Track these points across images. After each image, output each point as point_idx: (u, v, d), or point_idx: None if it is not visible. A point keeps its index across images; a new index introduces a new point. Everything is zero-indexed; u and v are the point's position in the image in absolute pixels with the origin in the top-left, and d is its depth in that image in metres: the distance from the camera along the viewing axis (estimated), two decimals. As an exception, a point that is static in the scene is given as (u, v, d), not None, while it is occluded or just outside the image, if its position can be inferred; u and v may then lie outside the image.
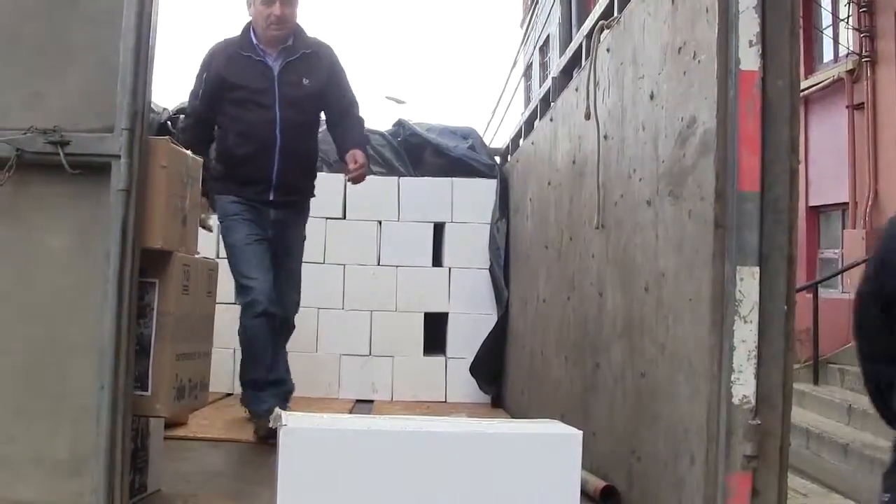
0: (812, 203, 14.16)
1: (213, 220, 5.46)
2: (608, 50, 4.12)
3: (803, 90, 13.25)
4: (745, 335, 2.65)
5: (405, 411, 6.01)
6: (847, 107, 12.96)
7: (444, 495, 2.79)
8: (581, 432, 2.86)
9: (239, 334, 5.24)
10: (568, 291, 4.65)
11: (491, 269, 7.04)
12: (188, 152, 3.53)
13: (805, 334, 11.25)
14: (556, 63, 6.72)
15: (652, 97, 3.42)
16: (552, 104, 5.65)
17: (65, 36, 3.12)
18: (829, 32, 14.11)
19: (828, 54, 14.20)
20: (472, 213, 7.14)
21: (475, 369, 6.87)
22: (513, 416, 6.05)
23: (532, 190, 6.07)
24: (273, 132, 5.11)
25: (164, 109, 7.04)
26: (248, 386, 5.24)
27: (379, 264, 7.08)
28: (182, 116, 5.44)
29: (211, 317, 3.78)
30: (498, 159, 7.74)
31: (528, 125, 6.66)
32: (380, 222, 7.10)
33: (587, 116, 4.12)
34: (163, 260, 3.30)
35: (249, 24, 5.25)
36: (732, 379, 2.64)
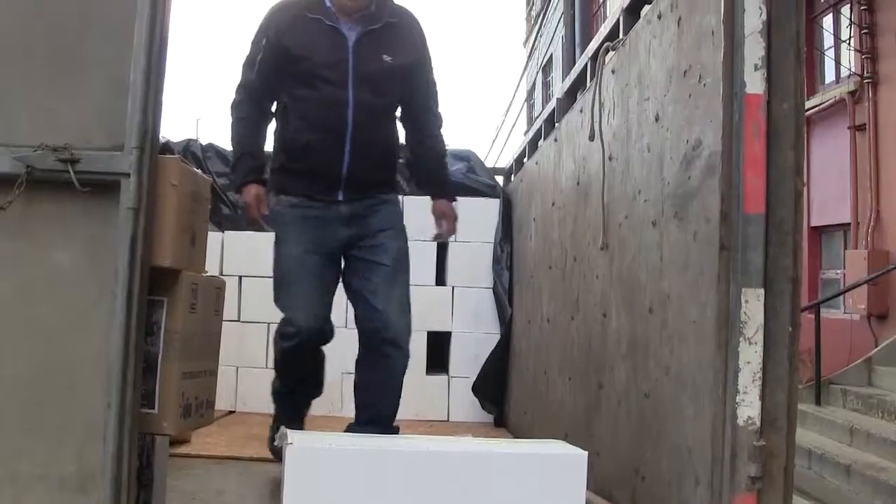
0: (814, 223, 14.17)
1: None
2: (613, 71, 4.15)
3: (806, 111, 13.26)
4: (750, 357, 2.66)
5: (407, 430, 6.02)
6: (849, 128, 12.99)
7: None
8: (586, 453, 2.87)
9: (275, 365, 4.65)
10: (572, 311, 4.66)
11: (494, 289, 7.06)
12: (198, 171, 3.55)
13: (807, 355, 11.24)
14: (561, 84, 6.75)
15: (657, 119, 3.44)
16: (556, 125, 5.67)
17: (77, 54, 3.14)
18: (830, 54, 14.15)
19: (830, 75, 14.24)
20: (476, 232, 7.15)
21: (478, 388, 6.89)
22: (515, 436, 6.06)
23: (536, 210, 6.09)
24: (344, 116, 4.21)
25: (166, 140, 7.08)
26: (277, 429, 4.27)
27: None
28: (234, 99, 4.44)
29: (218, 335, 3.80)
30: (501, 179, 7.76)
31: (532, 145, 6.68)
32: (384, 241, 7.10)
33: (591, 137, 4.15)
34: (171, 278, 3.32)
35: None
36: (737, 400, 2.65)
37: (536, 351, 5.78)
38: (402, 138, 4.61)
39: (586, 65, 4.99)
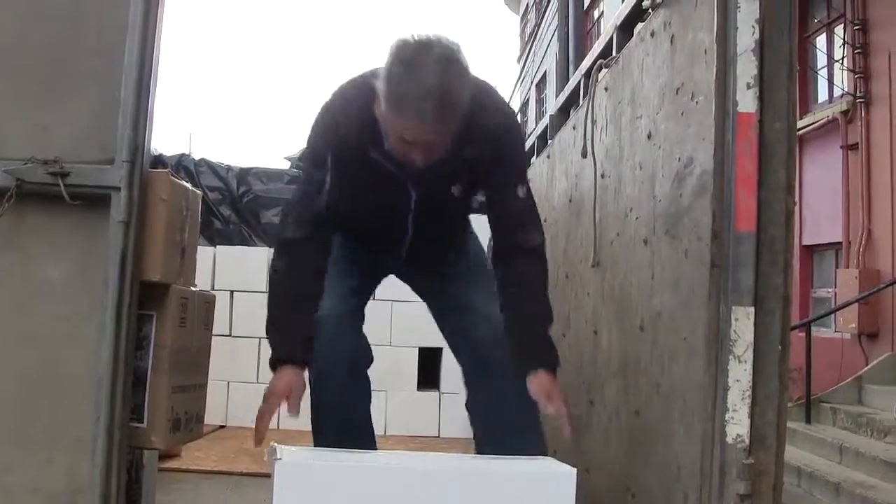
0: (806, 242, 14.20)
1: None
2: (606, 89, 4.16)
3: (799, 130, 13.31)
4: (740, 375, 2.66)
5: (399, 446, 6.02)
6: (841, 147, 13.02)
7: None
8: (575, 470, 2.86)
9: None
10: (563, 329, 4.66)
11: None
12: (188, 185, 3.55)
13: (798, 373, 11.25)
14: (554, 101, 6.76)
15: (650, 137, 3.45)
16: (549, 142, 5.68)
17: (68, 69, 3.14)
18: (824, 73, 14.20)
19: (823, 95, 14.28)
20: (469, 248, 7.14)
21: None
22: (506, 452, 6.04)
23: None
24: (402, 237, 3.52)
25: (158, 154, 7.09)
26: None
27: (374, 299, 7.08)
28: (282, 216, 3.56)
29: (207, 349, 3.79)
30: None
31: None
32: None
33: (584, 155, 4.16)
34: (161, 293, 3.31)
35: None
36: (727, 418, 2.65)
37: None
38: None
39: (579, 82, 5.00)
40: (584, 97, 4.53)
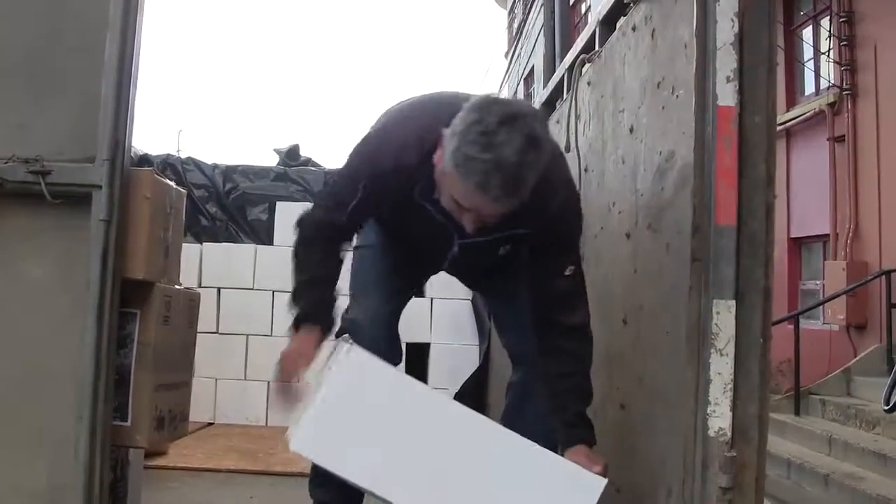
0: (794, 235, 14.24)
1: None
2: (589, 83, 4.16)
3: (785, 122, 13.38)
4: (722, 368, 2.65)
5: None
6: (828, 139, 13.05)
7: (461, 474, 2.75)
8: (605, 480, 2.82)
9: None
10: None
11: (473, 300, 7.05)
12: (172, 183, 3.54)
13: (786, 365, 11.28)
14: (539, 95, 6.75)
15: (632, 131, 3.45)
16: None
17: (49, 68, 3.14)
18: (810, 65, 14.22)
19: (809, 87, 14.30)
20: (455, 243, 7.15)
21: (460, 399, 6.87)
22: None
23: (514, 221, 6.08)
24: (441, 262, 3.44)
25: (144, 153, 7.07)
26: None
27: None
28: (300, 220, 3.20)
29: (192, 347, 3.79)
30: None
31: (511, 156, 6.67)
32: (362, 251, 7.10)
33: (567, 149, 4.15)
34: (144, 290, 3.31)
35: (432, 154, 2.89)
36: (708, 412, 2.65)
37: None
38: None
39: (563, 76, 4.99)
40: (568, 92, 4.53)
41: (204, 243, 7.62)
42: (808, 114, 13.54)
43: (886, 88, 11.88)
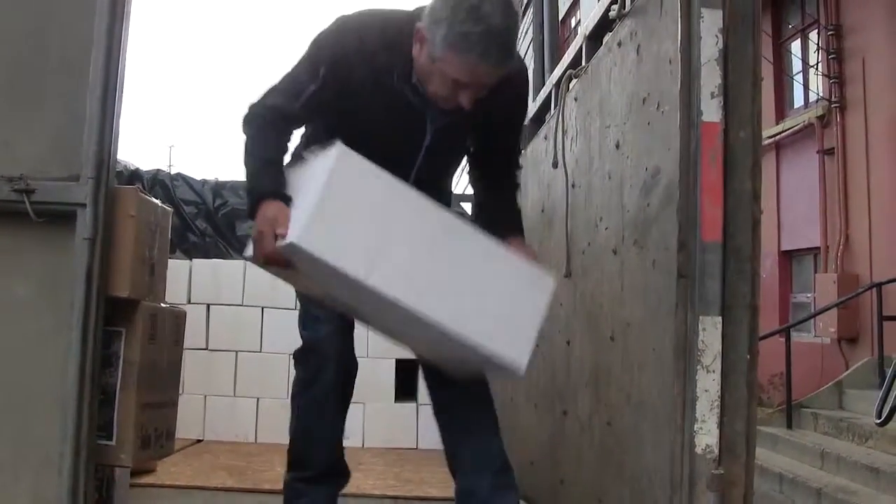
0: (784, 247, 14.25)
1: None
2: (576, 99, 4.16)
3: (775, 135, 13.40)
4: (708, 385, 2.65)
5: (376, 458, 6.00)
6: (818, 152, 13.08)
7: (444, 268, 2.89)
8: (555, 284, 3.07)
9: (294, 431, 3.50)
10: (537, 339, 4.64)
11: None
12: (157, 201, 3.53)
13: (778, 378, 11.29)
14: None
15: (618, 146, 3.44)
16: (523, 151, 5.67)
17: (34, 85, 3.13)
18: (799, 78, 14.26)
19: (798, 100, 14.34)
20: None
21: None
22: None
23: (503, 236, 6.07)
24: (409, 172, 3.26)
25: (135, 168, 7.06)
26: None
27: (351, 311, 7.05)
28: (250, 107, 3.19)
29: (178, 365, 3.78)
30: (471, 205, 7.77)
31: (500, 171, 6.67)
32: (351, 267, 7.08)
33: (555, 165, 4.15)
34: (130, 309, 3.30)
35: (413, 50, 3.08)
36: (696, 429, 2.64)
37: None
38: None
39: (550, 91, 4.99)
40: (555, 107, 4.53)
41: (193, 259, 7.59)
42: (797, 126, 13.58)
43: (875, 101, 11.91)
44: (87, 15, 3.09)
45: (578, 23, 22.21)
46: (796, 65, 14.41)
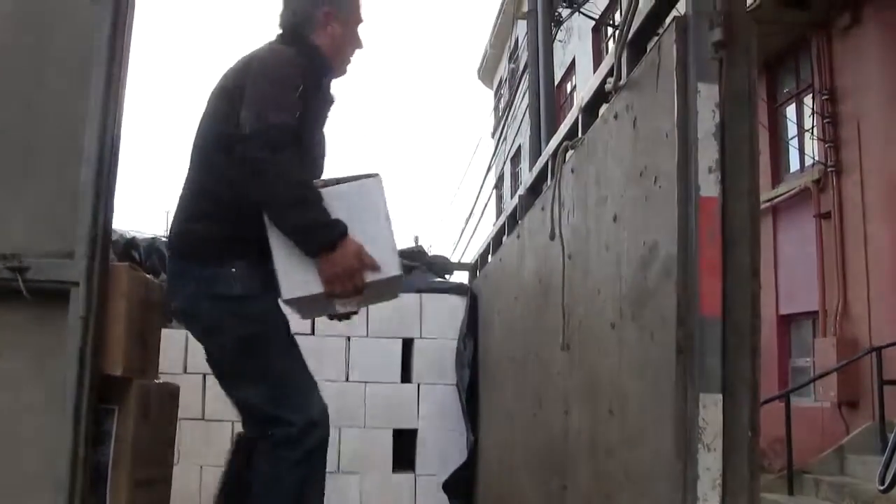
0: (783, 311, 14.21)
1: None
2: (572, 170, 4.14)
3: (771, 199, 13.42)
4: (710, 463, 2.61)
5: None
6: (814, 216, 13.11)
7: None
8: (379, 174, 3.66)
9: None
10: (535, 409, 4.61)
11: (457, 385, 7.00)
12: (149, 276, 3.51)
13: (779, 444, 11.20)
14: (523, 180, 6.76)
15: (615, 220, 3.42)
16: (519, 221, 5.66)
17: (26, 159, 3.12)
18: (794, 143, 14.32)
19: (794, 164, 14.39)
20: (442, 329, 7.13)
21: (448, 486, 6.79)
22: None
23: (500, 305, 6.06)
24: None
25: (132, 237, 7.05)
26: None
27: (347, 380, 7.02)
28: (269, 132, 3.33)
29: (171, 441, 3.74)
30: (468, 275, 7.78)
31: (497, 241, 6.68)
32: (348, 338, 7.06)
33: (552, 237, 4.13)
34: (122, 386, 3.27)
35: (316, 41, 3.75)
36: (698, 508, 2.60)
37: (501, 447, 5.72)
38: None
39: (547, 162, 4.99)
40: (552, 178, 4.52)
41: (189, 329, 7.56)
42: (793, 190, 13.62)
43: (871, 164, 11.96)
44: (81, 84, 3.08)
45: (574, 87, 22.38)
46: (791, 129, 14.49)
